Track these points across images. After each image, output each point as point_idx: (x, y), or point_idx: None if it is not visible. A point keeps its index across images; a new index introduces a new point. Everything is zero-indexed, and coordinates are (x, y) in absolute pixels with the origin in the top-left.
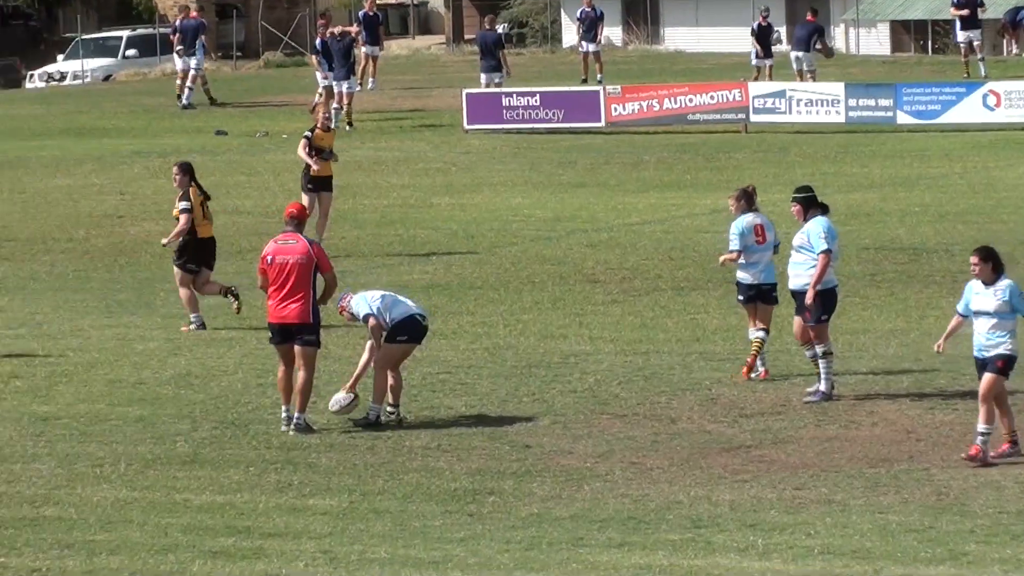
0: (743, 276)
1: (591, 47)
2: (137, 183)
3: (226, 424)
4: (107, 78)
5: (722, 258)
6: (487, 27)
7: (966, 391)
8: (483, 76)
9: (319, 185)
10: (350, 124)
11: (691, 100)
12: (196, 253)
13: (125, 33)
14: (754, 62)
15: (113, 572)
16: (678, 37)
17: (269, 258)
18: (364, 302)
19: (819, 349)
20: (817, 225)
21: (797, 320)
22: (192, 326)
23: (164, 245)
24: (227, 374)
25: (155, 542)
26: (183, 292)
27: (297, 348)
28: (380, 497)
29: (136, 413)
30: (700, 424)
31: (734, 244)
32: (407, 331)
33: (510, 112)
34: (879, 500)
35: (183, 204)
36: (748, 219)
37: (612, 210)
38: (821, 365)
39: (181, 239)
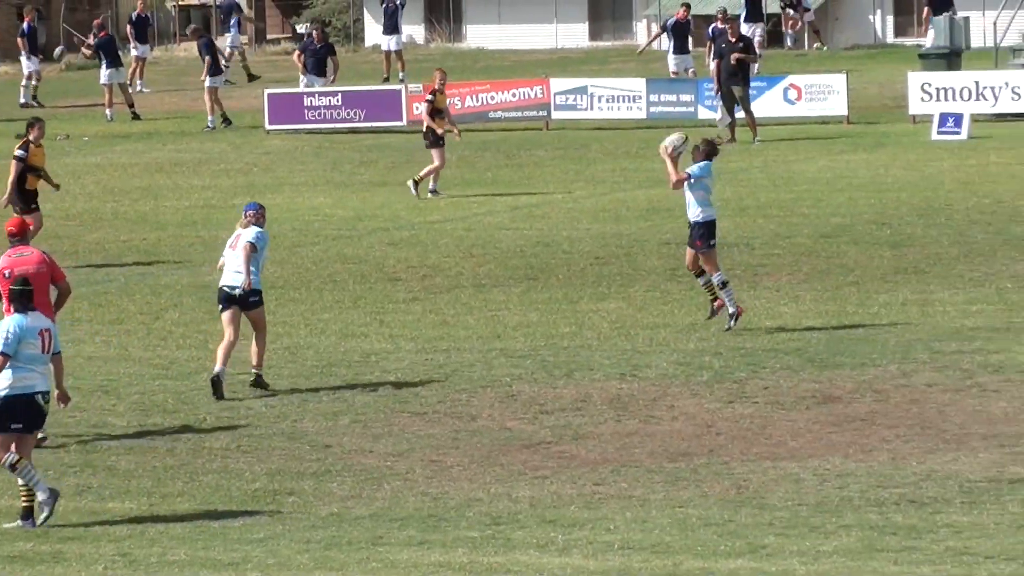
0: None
1: (393, 45)
2: None
3: None
4: None
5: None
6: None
7: (766, 385)
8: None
9: (434, 142)
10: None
11: (493, 98)
12: None
13: None
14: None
15: None
16: (481, 35)
17: (7, 272)
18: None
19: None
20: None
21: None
22: None
23: None
24: None
25: None
26: None
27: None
28: (179, 499)
29: None
30: (500, 421)
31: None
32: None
33: (312, 112)
34: (678, 495)
35: None
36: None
37: (413, 208)
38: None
39: None
